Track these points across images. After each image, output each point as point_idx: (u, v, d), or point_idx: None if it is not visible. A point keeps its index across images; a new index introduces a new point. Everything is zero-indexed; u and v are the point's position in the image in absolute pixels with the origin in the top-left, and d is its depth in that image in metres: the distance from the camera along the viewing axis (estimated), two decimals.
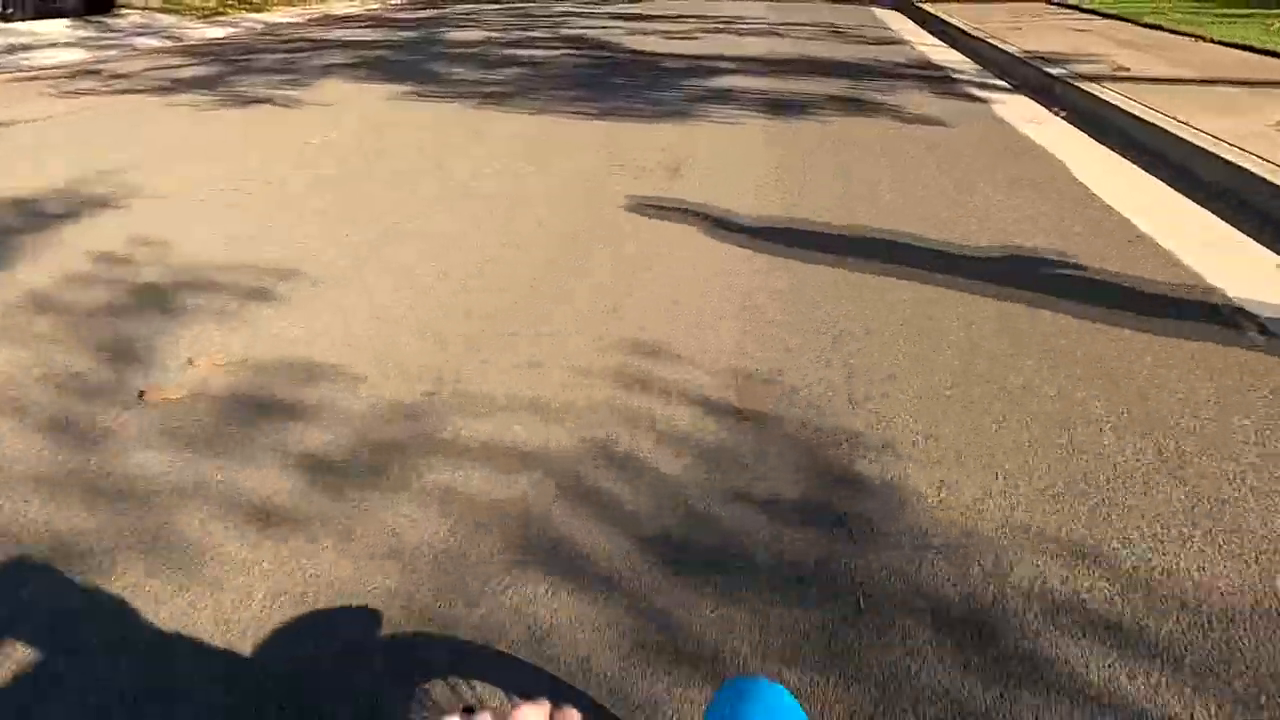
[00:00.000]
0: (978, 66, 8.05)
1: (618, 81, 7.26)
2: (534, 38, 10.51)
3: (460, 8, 15.36)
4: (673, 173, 4.50)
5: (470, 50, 9.38)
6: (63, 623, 1.56)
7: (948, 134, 5.24)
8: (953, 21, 10.48)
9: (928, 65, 8.13)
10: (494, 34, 10.93)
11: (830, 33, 10.75)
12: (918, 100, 6.32)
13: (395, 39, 10.60)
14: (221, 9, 15.31)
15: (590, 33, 10.93)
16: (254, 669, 1.44)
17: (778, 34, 10.64)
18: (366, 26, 12.22)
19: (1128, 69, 6.78)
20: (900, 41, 9.93)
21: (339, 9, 15.65)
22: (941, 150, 4.85)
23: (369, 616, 1.54)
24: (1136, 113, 5.22)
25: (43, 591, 1.64)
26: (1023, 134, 5.26)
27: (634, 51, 9.13)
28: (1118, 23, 9.91)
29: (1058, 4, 12.71)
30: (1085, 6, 11.45)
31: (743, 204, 3.96)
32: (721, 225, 3.67)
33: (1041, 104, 6.23)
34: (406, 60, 8.66)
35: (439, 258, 3.33)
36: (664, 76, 7.49)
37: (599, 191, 4.21)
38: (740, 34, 10.67)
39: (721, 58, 8.59)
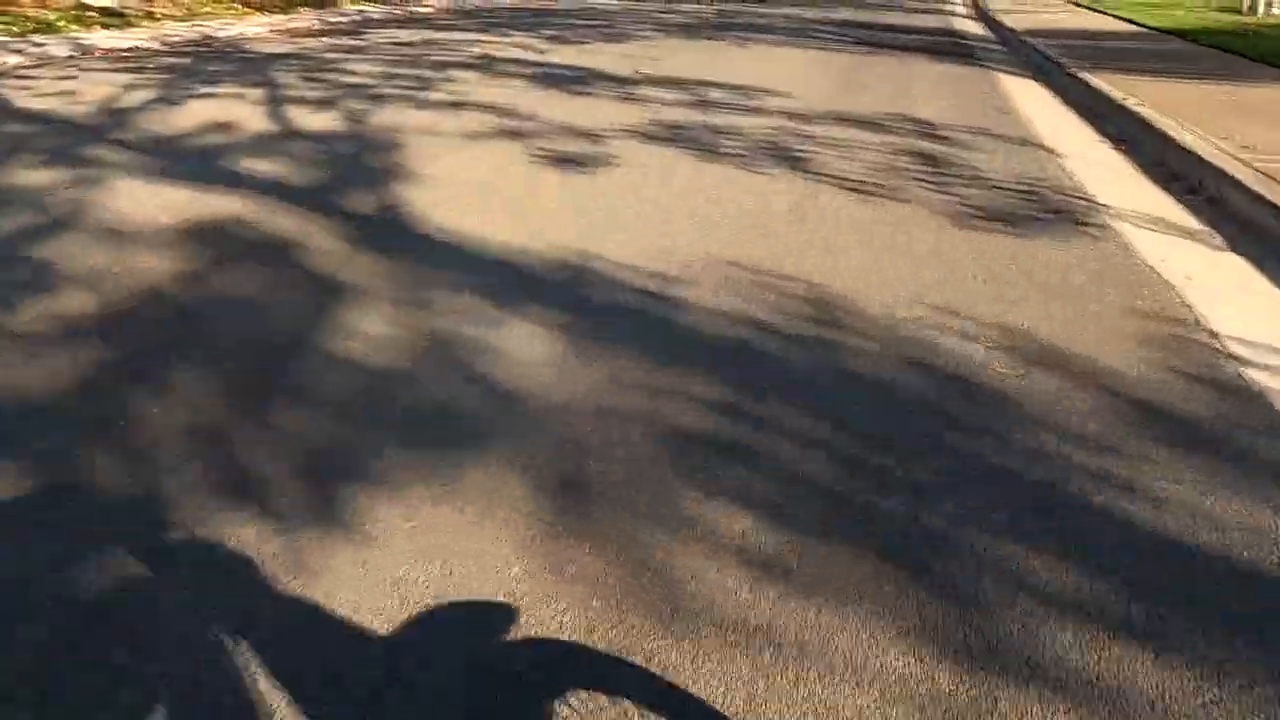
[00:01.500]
0: None
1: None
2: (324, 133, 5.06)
3: (367, 40, 10.39)
4: None
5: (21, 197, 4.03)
6: None
7: None
8: (1216, 162, 4.47)
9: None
10: (264, 122, 5.54)
11: (915, 156, 4.91)
12: None
13: (69, 129, 5.40)
14: (35, 28, 10.62)
15: (444, 127, 5.42)
16: None
17: (801, 160, 4.83)
18: (150, 76, 7.14)
19: None
20: (1091, 213, 3.96)
21: (232, 31, 11.22)
22: None
23: None
24: None
25: None
26: None
27: (406, 241, 3.58)
28: None
29: None
30: None
31: None
32: None
33: None
34: None
35: None
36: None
37: None
38: (717, 155, 4.93)
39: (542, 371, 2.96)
